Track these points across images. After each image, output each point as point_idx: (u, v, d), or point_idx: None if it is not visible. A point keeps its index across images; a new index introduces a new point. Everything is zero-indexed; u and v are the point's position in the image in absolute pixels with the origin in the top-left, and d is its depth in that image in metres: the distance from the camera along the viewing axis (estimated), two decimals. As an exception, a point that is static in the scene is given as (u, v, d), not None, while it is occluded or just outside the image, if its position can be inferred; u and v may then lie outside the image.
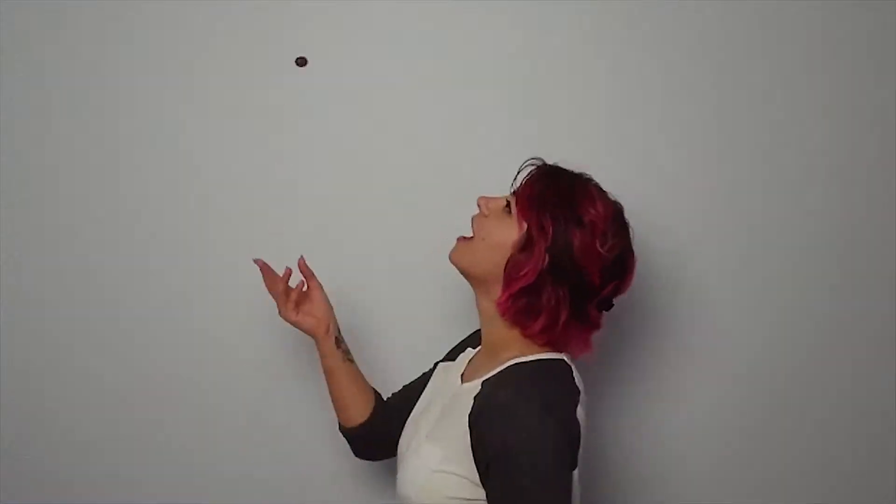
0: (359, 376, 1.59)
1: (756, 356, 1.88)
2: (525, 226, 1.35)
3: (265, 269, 1.57)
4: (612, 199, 1.40)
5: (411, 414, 1.51)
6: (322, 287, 1.57)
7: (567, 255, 1.33)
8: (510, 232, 1.37)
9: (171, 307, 1.79)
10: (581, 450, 1.32)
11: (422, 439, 1.37)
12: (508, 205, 1.40)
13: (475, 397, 1.33)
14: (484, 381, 1.36)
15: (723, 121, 1.81)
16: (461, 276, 1.45)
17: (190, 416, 1.82)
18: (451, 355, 1.56)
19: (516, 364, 1.36)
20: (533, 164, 1.44)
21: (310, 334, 1.57)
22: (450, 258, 1.43)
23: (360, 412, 1.57)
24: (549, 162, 1.44)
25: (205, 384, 1.80)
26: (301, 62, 1.56)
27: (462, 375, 1.45)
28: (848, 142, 1.84)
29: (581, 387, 1.38)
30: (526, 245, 1.35)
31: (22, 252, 1.77)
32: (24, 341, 1.79)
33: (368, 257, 1.79)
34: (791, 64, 1.81)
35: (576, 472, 1.30)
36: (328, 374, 1.58)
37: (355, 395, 1.57)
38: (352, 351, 1.61)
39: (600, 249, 1.34)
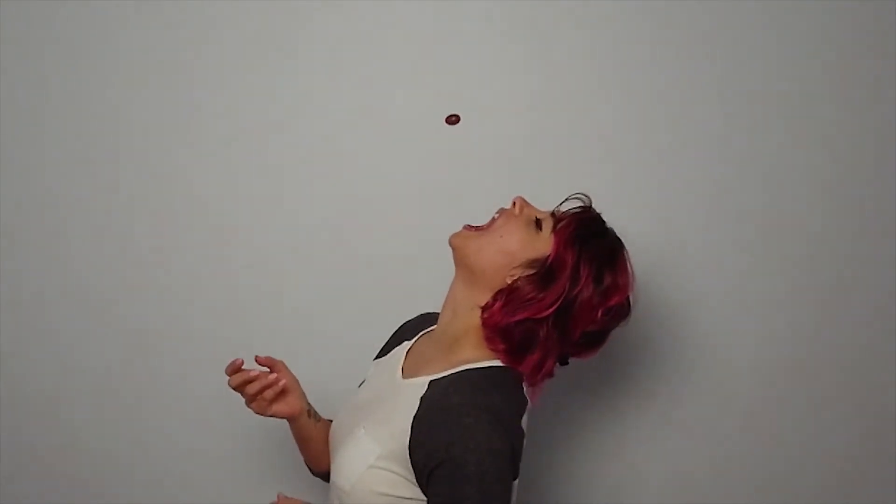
0: (328, 429, 1.53)
1: (755, 362, 1.88)
2: (556, 256, 1.34)
3: (237, 366, 1.44)
4: (632, 277, 1.39)
5: (351, 402, 1.47)
6: (286, 367, 1.49)
7: (570, 302, 1.33)
8: (533, 247, 1.35)
9: (171, 309, 1.81)
10: (521, 459, 1.31)
11: (360, 432, 1.34)
12: (539, 222, 1.37)
13: (422, 398, 1.31)
14: (432, 381, 1.33)
15: (724, 127, 1.81)
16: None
17: (191, 416, 1.83)
18: (384, 352, 1.53)
19: (470, 369, 1.33)
20: (581, 200, 1.42)
21: (285, 419, 1.52)
22: (451, 241, 1.38)
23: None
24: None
25: (205, 384, 1.80)
26: (454, 120, 1.53)
27: (403, 369, 1.42)
28: (848, 142, 1.83)
29: (528, 396, 1.37)
30: (547, 274, 1.33)
31: (21, 252, 1.79)
32: (24, 342, 1.81)
33: (366, 259, 1.80)
34: (792, 78, 1.80)
35: (516, 482, 1.30)
36: (301, 441, 1.55)
37: (327, 447, 1.51)
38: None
39: (598, 315, 1.34)
